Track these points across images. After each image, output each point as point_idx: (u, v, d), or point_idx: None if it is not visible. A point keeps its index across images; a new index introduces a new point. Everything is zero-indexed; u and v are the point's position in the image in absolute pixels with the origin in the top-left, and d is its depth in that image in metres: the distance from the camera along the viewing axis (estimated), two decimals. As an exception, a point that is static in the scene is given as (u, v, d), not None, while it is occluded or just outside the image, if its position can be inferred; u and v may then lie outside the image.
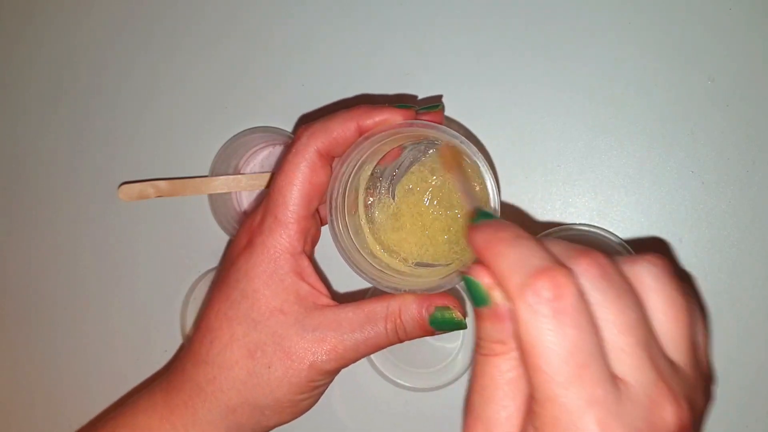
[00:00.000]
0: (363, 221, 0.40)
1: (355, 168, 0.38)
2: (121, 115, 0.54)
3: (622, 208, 0.48)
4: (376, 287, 0.37)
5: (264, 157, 0.53)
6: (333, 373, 0.37)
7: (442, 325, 0.36)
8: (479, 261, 0.26)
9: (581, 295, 0.24)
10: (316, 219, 0.38)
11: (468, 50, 0.50)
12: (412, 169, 0.41)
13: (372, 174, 0.40)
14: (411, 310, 0.35)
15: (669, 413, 0.23)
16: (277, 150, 0.52)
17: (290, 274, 0.36)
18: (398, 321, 0.35)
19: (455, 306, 0.35)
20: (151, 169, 0.53)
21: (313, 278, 0.37)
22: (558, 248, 0.25)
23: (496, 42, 0.49)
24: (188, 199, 0.52)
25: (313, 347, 0.35)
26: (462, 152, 0.36)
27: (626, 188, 0.48)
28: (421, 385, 0.50)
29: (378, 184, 0.41)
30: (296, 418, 0.37)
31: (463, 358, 0.50)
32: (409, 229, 0.40)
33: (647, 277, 0.26)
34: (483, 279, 0.25)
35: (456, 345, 0.51)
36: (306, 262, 0.37)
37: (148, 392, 0.39)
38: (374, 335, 0.35)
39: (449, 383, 0.49)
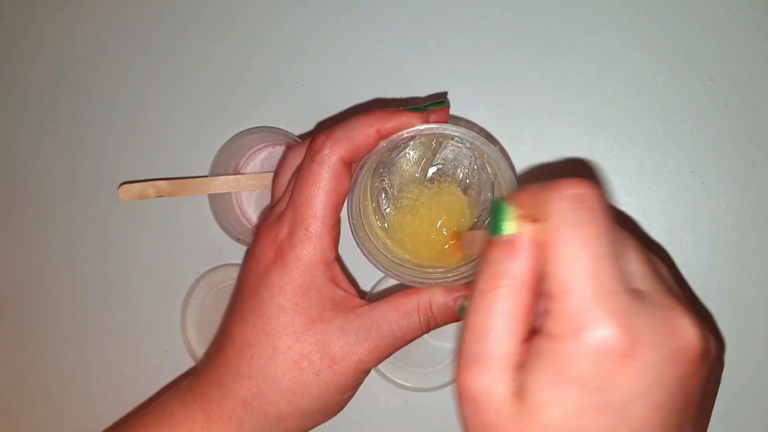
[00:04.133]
0: (379, 222, 0.41)
1: (372, 171, 0.38)
2: (121, 115, 0.54)
3: (622, 208, 0.48)
4: (403, 283, 0.38)
5: (264, 157, 0.53)
6: (372, 369, 0.38)
7: None
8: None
9: (604, 196, 0.24)
10: (340, 223, 0.38)
11: (468, 50, 0.50)
12: (413, 168, 0.41)
13: (381, 174, 0.41)
14: (440, 302, 0.37)
15: (689, 327, 0.23)
16: (277, 150, 0.52)
17: (326, 283, 0.37)
18: (430, 313, 0.37)
19: None
20: (151, 169, 0.53)
21: (345, 282, 0.38)
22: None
23: (495, 42, 0.49)
24: (188, 199, 0.52)
25: (356, 349, 0.36)
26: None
27: (626, 188, 0.48)
28: (421, 385, 0.50)
29: (387, 184, 0.41)
30: (338, 413, 0.39)
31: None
32: (419, 225, 0.40)
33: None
34: (515, 208, 0.26)
35: (456, 345, 0.51)
36: (338, 268, 0.38)
37: (180, 402, 0.39)
38: (409, 328, 0.37)
39: (449, 383, 0.49)
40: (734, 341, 0.47)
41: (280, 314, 0.36)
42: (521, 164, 0.49)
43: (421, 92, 0.50)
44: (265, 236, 0.38)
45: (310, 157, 0.37)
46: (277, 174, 0.41)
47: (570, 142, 0.49)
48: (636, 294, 0.23)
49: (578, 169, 0.49)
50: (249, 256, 0.39)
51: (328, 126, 0.38)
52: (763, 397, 0.47)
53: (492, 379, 0.24)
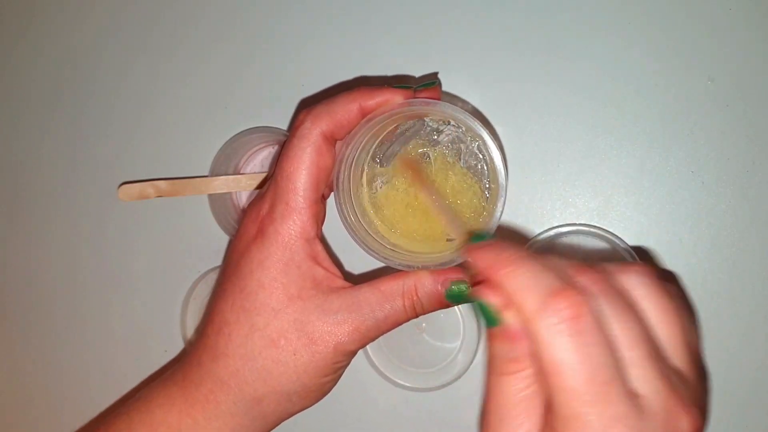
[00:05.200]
0: (367, 201, 0.40)
1: (358, 150, 0.38)
2: (121, 115, 0.54)
3: (622, 208, 0.48)
4: (389, 266, 0.37)
5: (264, 157, 0.53)
6: (355, 353, 0.37)
7: (458, 299, 0.36)
8: (484, 282, 0.27)
9: (597, 313, 0.24)
10: (323, 201, 0.38)
11: (467, 50, 0.50)
12: (408, 146, 0.40)
13: (371, 153, 0.40)
14: (427, 286, 0.36)
15: (685, 423, 0.24)
16: (277, 150, 0.52)
17: (306, 260, 0.36)
18: (415, 297, 0.36)
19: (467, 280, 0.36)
20: (151, 169, 0.53)
21: (327, 262, 0.37)
22: (555, 265, 0.26)
23: (495, 42, 0.49)
24: (188, 199, 0.52)
25: (335, 330, 0.35)
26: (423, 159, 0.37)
27: (626, 188, 0.48)
28: (421, 385, 0.50)
29: (376, 163, 0.41)
30: (320, 400, 0.38)
31: (463, 358, 0.50)
32: (407, 205, 0.40)
33: (638, 287, 0.26)
34: (494, 300, 0.26)
35: (456, 345, 0.51)
36: (319, 247, 0.37)
37: (161, 386, 0.38)
38: (393, 313, 0.36)
39: (449, 383, 0.49)
40: (734, 341, 0.47)
41: (258, 290, 0.35)
42: (521, 164, 0.49)
43: (421, 92, 0.50)
44: (248, 214, 0.37)
45: (291, 132, 0.36)
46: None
47: (570, 142, 0.49)
48: (635, 403, 0.24)
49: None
50: (234, 235, 0.38)
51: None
52: (763, 397, 0.47)
53: None
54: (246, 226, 0.37)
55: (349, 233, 0.37)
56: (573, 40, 0.49)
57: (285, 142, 0.37)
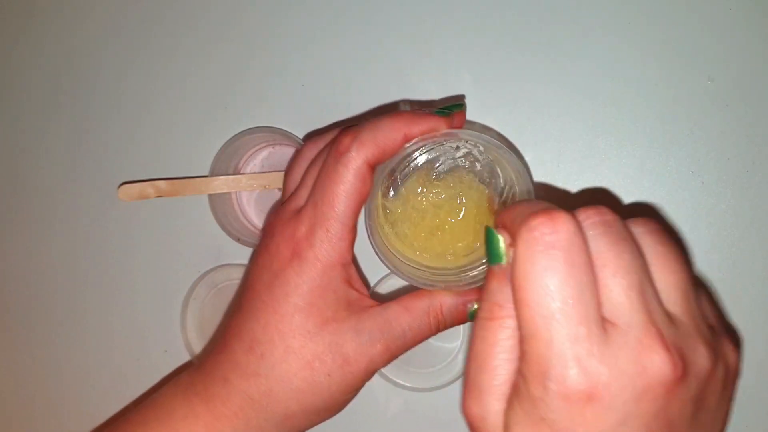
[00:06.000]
0: (391, 223, 0.40)
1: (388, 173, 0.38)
2: (121, 115, 0.54)
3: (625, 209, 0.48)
4: (412, 284, 0.38)
5: (264, 157, 0.53)
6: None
7: None
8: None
9: (578, 233, 0.24)
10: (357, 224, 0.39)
11: (468, 50, 0.50)
12: (421, 168, 0.40)
13: (392, 174, 0.40)
14: (451, 306, 0.37)
15: (659, 358, 0.23)
16: (277, 150, 0.52)
17: (342, 284, 0.36)
18: (440, 316, 0.37)
19: None
20: (151, 169, 0.53)
21: (359, 283, 0.38)
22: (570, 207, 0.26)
23: (495, 42, 0.49)
24: (188, 199, 0.52)
25: (368, 350, 0.36)
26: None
27: (626, 188, 0.48)
28: (421, 385, 0.50)
29: (399, 183, 0.41)
30: (342, 410, 0.39)
31: (463, 358, 0.50)
32: (429, 226, 0.40)
33: (644, 233, 0.26)
34: (502, 235, 0.26)
35: (456, 345, 0.51)
36: (353, 270, 0.37)
37: (182, 398, 0.38)
38: (419, 330, 0.37)
39: (449, 383, 0.49)
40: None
41: (294, 313, 0.36)
42: (521, 164, 0.49)
43: (421, 93, 0.50)
44: (282, 232, 0.37)
45: (335, 157, 0.36)
46: (290, 168, 0.40)
47: (570, 142, 0.49)
48: (604, 330, 0.23)
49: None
50: (262, 251, 0.38)
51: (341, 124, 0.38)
52: (763, 397, 0.47)
53: (487, 409, 0.25)
54: (279, 245, 0.37)
55: (379, 256, 0.37)
56: (573, 40, 0.49)
57: (326, 163, 0.37)
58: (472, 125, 0.49)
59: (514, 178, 0.38)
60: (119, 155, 0.54)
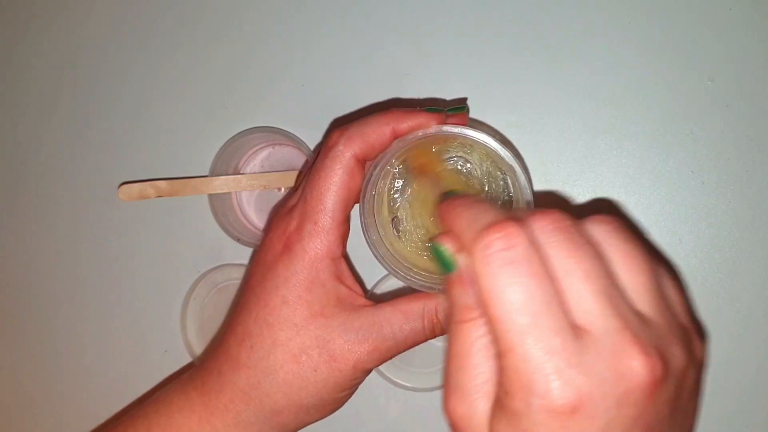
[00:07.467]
0: (391, 223, 0.40)
1: (384, 171, 0.38)
2: (121, 115, 0.54)
3: (621, 209, 0.48)
4: (409, 286, 0.37)
5: (264, 157, 0.53)
6: (372, 370, 0.38)
7: None
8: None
9: (532, 244, 0.24)
10: (349, 220, 0.39)
11: (468, 50, 0.50)
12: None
13: (393, 173, 0.40)
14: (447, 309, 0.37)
15: (637, 363, 0.23)
16: (277, 150, 0.52)
17: (330, 278, 0.36)
18: (435, 320, 0.37)
19: None
20: (151, 169, 0.53)
21: (351, 280, 0.38)
22: (517, 212, 0.26)
23: (495, 42, 0.49)
24: (188, 199, 0.52)
25: (356, 348, 0.36)
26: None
27: (626, 188, 0.48)
28: (421, 385, 0.50)
29: (397, 183, 0.41)
30: (335, 411, 0.38)
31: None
32: (429, 226, 0.40)
33: (602, 233, 0.25)
34: (447, 244, 0.26)
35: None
36: (344, 265, 0.37)
37: (181, 391, 0.39)
38: (412, 333, 0.37)
39: (449, 383, 0.49)
40: (734, 341, 0.47)
41: (282, 306, 0.36)
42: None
43: (421, 93, 0.50)
44: (275, 228, 0.38)
45: (324, 152, 0.37)
46: (301, 173, 0.40)
47: (570, 142, 0.49)
48: (578, 338, 0.23)
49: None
50: (259, 248, 0.39)
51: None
52: (763, 397, 0.47)
53: (473, 408, 0.25)
54: (272, 240, 0.38)
55: (373, 253, 0.37)
56: (573, 40, 0.49)
57: (315, 159, 0.37)
58: (480, 125, 0.49)
59: (511, 183, 0.38)
60: (119, 155, 0.54)
